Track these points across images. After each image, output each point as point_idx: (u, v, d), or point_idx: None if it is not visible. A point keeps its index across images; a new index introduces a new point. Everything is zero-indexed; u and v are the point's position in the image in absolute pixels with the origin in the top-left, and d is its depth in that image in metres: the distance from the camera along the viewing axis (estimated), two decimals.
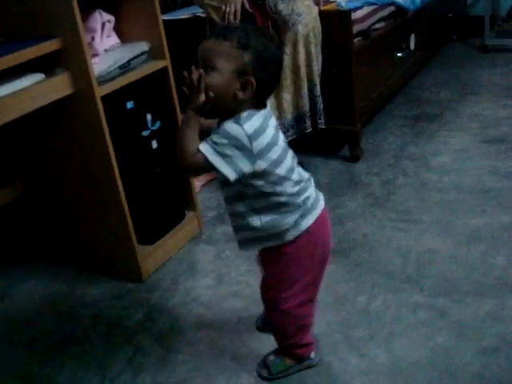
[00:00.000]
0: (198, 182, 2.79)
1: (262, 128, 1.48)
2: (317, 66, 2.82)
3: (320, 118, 2.89)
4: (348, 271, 2.26)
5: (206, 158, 1.45)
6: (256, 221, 1.58)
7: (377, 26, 3.19)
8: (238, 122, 1.46)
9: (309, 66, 2.80)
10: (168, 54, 2.32)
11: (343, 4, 2.95)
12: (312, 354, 1.84)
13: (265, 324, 1.98)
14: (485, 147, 3.12)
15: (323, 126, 2.90)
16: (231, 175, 1.46)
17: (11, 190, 2.44)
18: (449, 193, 2.71)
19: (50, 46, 1.97)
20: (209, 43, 1.48)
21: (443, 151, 3.12)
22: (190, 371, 1.89)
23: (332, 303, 2.10)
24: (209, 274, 2.35)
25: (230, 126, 1.46)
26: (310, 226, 1.62)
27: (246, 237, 1.64)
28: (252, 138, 1.45)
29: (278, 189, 1.54)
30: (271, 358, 1.83)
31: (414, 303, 2.05)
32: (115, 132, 2.13)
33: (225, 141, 1.45)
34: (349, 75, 2.89)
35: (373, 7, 3.17)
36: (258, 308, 1.99)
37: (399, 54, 3.46)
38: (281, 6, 2.74)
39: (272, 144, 1.50)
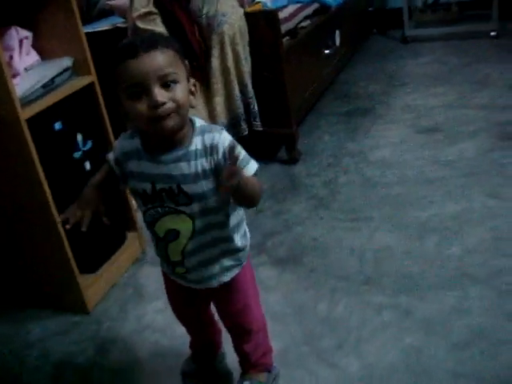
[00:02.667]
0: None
1: None
2: (246, 67, 2.73)
3: (255, 120, 2.81)
4: (304, 278, 2.18)
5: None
6: (237, 239, 1.48)
7: (302, 24, 3.13)
8: (220, 130, 1.35)
9: (237, 67, 2.71)
10: (93, 68, 2.18)
11: (269, 4, 2.88)
12: None
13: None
14: (421, 137, 3.10)
15: (260, 128, 2.82)
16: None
17: None
18: (393, 187, 2.67)
19: None
20: (155, 56, 1.25)
21: (381, 145, 3.08)
22: None
23: (292, 314, 2.01)
24: (158, 297, 2.20)
25: (225, 137, 1.33)
26: None
27: (214, 270, 1.49)
28: None
29: None
30: (247, 383, 1.71)
31: (377, 304, 1.98)
32: (45, 156, 1.97)
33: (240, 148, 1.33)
34: (280, 76, 2.82)
35: (297, 5, 3.13)
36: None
37: (326, 51, 3.42)
38: (205, 8, 2.64)
39: None
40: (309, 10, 3.22)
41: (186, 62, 1.35)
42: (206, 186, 1.34)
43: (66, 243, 2.07)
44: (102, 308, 2.21)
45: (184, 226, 1.40)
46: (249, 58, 2.75)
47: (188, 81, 1.33)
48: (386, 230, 2.37)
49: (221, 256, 1.47)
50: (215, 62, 2.67)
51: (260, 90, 2.83)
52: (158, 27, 2.61)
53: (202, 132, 1.34)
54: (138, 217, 2.48)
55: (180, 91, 1.28)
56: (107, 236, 2.32)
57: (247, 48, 2.73)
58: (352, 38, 4.10)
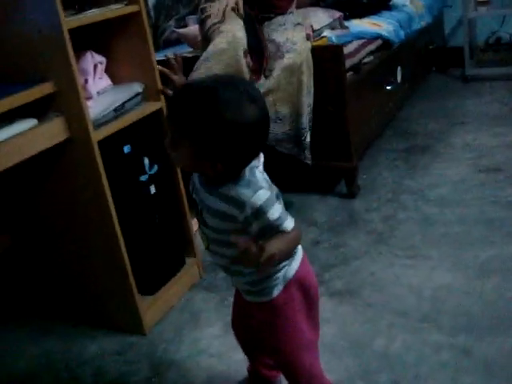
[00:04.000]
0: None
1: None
2: (307, 98, 2.74)
3: (305, 152, 2.82)
4: (360, 312, 2.17)
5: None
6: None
7: (366, 59, 3.15)
8: (257, 191, 1.31)
9: (298, 96, 2.73)
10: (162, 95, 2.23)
11: (334, 39, 2.91)
12: None
13: None
14: (482, 177, 3.06)
15: (309, 162, 2.82)
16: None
17: None
18: (453, 226, 2.64)
19: (42, 89, 1.87)
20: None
21: (440, 183, 3.06)
22: None
23: (348, 347, 1.99)
24: (214, 322, 2.23)
25: (258, 199, 1.30)
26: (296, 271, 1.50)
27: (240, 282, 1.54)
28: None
29: None
30: None
31: (435, 343, 1.96)
32: (112, 178, 2.03)
33: (274, 205, 1.32)
34: (343, 110, 2.83)
35: (362, 41, 3.13)
36: None
37: (388, 87, 3.42)
38: (275, 35, 2.71)
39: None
40: (372, 46, 3.24)
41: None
42: (218, 224, 1.39)
43: (128, 264, 2.11)
44: (158, 330, 2.23)
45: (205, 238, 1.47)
46: (312, 90, 2.77)
47: (201, 158, 1.30)
48: (445, 269, 2.34)
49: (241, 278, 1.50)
50: (268, 83, 2.72)
51: (322, 123, 2.85)
52: (238, 25, 2.70)
53: (241, 184, 1.33)
54: (197, 242, 2.51)
55: (178, 156, 1.36)
56: (167, 259, 2.35)
57: (312, 79, 2.74)
58: (412, 75, 4.09)
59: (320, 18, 3.06)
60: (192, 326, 2.23)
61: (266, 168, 1.51)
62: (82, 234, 2.14)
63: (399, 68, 3.62)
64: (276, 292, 1.48)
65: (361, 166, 3.17)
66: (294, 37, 2.69)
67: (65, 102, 1.91)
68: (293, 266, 1.48)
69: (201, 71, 2.61)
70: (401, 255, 2.48)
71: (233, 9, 2.73)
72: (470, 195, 2.89)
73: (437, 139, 3.64)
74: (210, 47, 2.65)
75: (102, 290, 2.22)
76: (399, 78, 3.63)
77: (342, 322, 2.13)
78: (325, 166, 2.97)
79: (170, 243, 2.36)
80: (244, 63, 2.64)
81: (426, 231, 2.63)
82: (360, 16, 3.49)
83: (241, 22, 2.71)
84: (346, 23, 3.24)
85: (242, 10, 2.75)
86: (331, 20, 3.10)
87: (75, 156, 1.99)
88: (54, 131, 1.92)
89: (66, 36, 1.83)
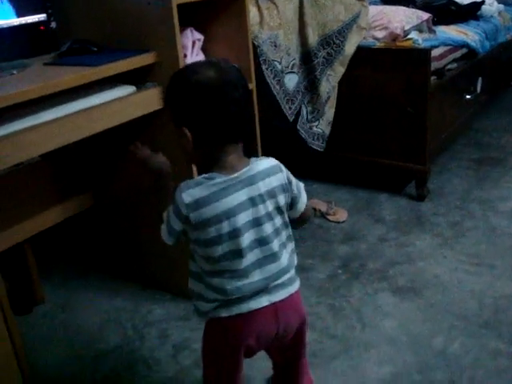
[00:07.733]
0: None
1: (206, 200, 1.34)
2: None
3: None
4: (422, 311, 2.20)
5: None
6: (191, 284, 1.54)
7: (449, 66, 3.16)
8: (180, 188, 1.37)
9: None
10: (254, 76, 2.30)
11: (420, 41, 2.92)
12: None
13: None
14: None
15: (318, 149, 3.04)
16: (168, 240, 1.47)
17: (82, 200, 2.40)
18: None
19: (146, 58, 1.97)
20: None
21: (510, 196, 3.06)
22: None
23: (408, 342, 2.04)
24: None
25: (175, 192, 1.39)
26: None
27: None
28: (190, 208, 1.35)
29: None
30: None
31: (494, 349, 1.98)
32: None
33: (170, 208, 1.41)
34: (424, 114, 2.85)
35: (448, 47, 3.14)
36: (332, 341, 1.96)
37: (468, 96, 3.43)
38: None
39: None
40: (457, 54, 3.24)
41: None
42: None
43: None
44: None
45: None
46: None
47: (176, 125, 1.44)
48: (508, 280, 2.36)
49: None
50: None
51: (400, 124, 2.89)
52: None
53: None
54: None
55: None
56: None
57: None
58: (491, 87, 4.07)
59: (409, 18, 3.07)
60: None
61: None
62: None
63: (480, 78, 3.62)
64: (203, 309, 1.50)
65: (432, 171, 3.19)
66: None
67: (164, 73, 1.99)
68: (211, 308, 1.45)
69: None
70: (465, 261, 2.50)
71: None
72: None
73: (509, 153, 3.62)
74: None
75: (175, 258, 2.29)
76: (479, 89, 3.62)
77: (403, 317, 2.17)
78: (397, 166, 3.00)
79: None
80: None
81: (492, 241, 2.65)
82: (447, 23, 3.50)
83: None
84: (433, 28, 3.25)
85: None
86: (419, 21, 3.12)
87: (166, 126, 2.06)
88: (150, 100, 2.01)
89: (175, 10, 1.91)
